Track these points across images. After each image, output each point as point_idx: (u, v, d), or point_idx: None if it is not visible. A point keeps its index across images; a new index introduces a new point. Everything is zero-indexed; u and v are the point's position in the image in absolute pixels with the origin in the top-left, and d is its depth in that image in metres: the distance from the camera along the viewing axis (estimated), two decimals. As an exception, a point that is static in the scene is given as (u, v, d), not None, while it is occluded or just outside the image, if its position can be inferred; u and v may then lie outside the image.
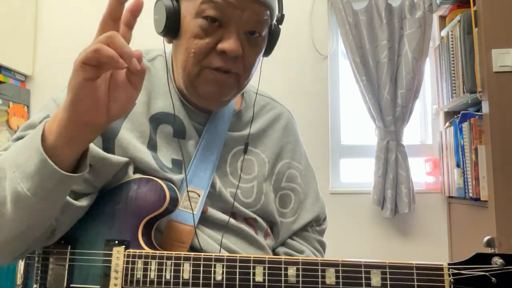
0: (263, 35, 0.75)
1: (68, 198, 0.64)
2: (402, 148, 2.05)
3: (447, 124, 2.01)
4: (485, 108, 1.59)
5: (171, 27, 0.73)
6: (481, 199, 1.63)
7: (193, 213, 0.72)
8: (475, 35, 1.66)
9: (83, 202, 0.68)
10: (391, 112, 2.06)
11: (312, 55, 2.24)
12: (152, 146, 0.74)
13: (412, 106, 2.09)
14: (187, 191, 0.73)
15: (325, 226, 0.94)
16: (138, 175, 0.70)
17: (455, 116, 1.90)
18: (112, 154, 0.70)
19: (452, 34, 1.88)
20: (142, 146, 0.73)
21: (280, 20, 0.80)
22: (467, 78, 1.71)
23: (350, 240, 2.12)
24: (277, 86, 2.23)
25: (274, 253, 0.87)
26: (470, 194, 1.70)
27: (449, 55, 1.90)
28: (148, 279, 0.64)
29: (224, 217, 0.77)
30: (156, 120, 0.76)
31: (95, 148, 0.68)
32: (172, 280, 0.63)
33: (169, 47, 0.81)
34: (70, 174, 0.57)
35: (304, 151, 0.96)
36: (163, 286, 0.63)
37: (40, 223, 0.62)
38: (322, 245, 0.92)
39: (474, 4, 1.67)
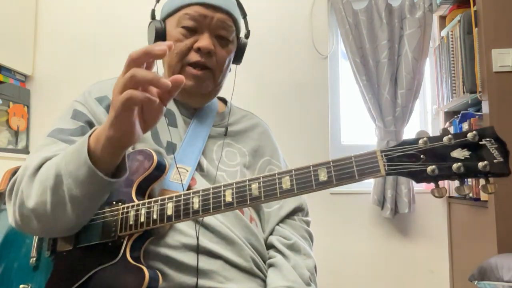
0: (230, 39, 0.95)
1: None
2: (402, 148, 2.04)
3: (447, 124, 2.01)
4: (485, 108, 1.59)
5: (159, 41, 0.90)
6: (481, 199, 1.63)
7: (182, 183, 0.84)
8: (475, 35, 1.66)
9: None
10: (391, 112, 2.06)
11: (312, 55, 2.24)
12: (154, 129, 0.90)
13: (412, 106, 2.09)
14: (177, 167, 0.86)
15: (310, 219, 1.03)
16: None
17: (455, 116, 1.90)
18: None
19: (452, 34, 1.88)
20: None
21: (247, 35, 1.02)
22: (467, 78, 1.71)
23: (350, 240, 2.12)
24: (277, 86, 2.23)
25: (267, 243, 0.93)
26: (470, 194, 1.70)
27: (449, 55, 1.90)
28: (139, 222, 0.74)
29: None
30: None
31: None
32: (158, 218, 0.73)
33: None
34: (114, 180, 0.69)
35: (283, 157, 1.08)
36: (151, 225, 0.73)
37: (91, 214, 0.76)
38: (310, 235, 0.99)
39: (474, 4, 1.68)
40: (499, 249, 1.49)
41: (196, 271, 0.78)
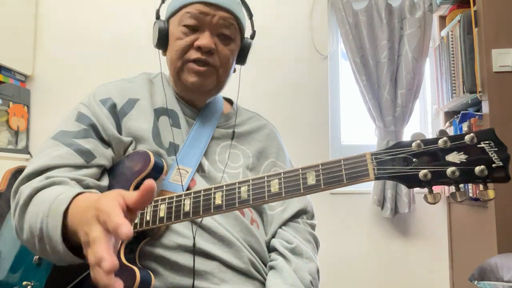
0: (233, 38, 0.93)
1: (95, 182, 0.81)
2: (402, 148, 2.04)
3: (447, 124, 2.01)
4: (485, 108, 1.59)
5: (162, 40, 0.94)
6: (481, 199, 1.62)
7: (182, 184, 0.84)
8: (475, 35, 1.66)
9: (105, 182, 0.84)
10: (391, 112, 2.06)
11: (312, 55, 2.24)
12: (155, 131, 0.90)
13: (412, 106, 2.09)
14: (178, 168, 0.86)
15: (315, 222, 1.01)
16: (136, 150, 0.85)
17: (455, 116, 1.90)
18: (119, 134, 0.87)
19: (452, 34, 1.88)
20: (146, 129, 0.89)
21: (252, 36, 1.01)
22: (467, 78, 1.71)
23: (350, 240, 2.12)
24: (277, 86, 2.23)
25: (270, 246, 0.92)
26: (470, 194, 1.70)
27: (449, 55, 1.90)
28: (133, 223, 0.73)
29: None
30: (157, 112, 0.93)
31: (113, 130, 0.86)
32: (151, 220, 0.73)
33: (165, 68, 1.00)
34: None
35: (289, 158, 1.07)
36: (144, 226, 0.74)
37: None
38: (315, 238, 0.97)
39: (474, 4, 1.67)
40: (499, 249, 1.48)
41: (193, 272, 0.78)
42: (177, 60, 0.91)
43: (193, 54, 0.89)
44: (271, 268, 0.88)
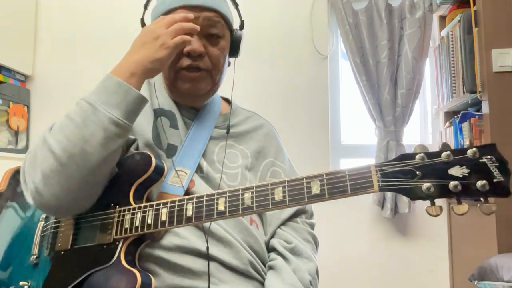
0: (221, 35, 0.91)
1: None
2: (402, 148, 2.05)
3: (447, 124, 2.01)
4: (485, 108, 1.59)
5: None
6: (481, 199, 1.62)
7: (182, 186, 0.84)
8: (475, 35, 1.66)
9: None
10: (391, 112, 2.06)
11: (312, 55, 2.24)
12: (155, 131, 0.90)
13: (412, 106, 2.09)
14: (176, 170, 0.86)
15: (314, 221, 1.01)
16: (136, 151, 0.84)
17: (455, 116, 1.90)
18: None
19: (452, 34, 1.88)
20: (147, 129, 0.89)
21: (241, 26, 0.98)
22: (467, 78, 1.71)
23: (350, 240, 2.12)
24: (277, 86, 2.23)
25: (269, 246, 0.92)
26: (470, 194, 1.70)
27: (449, 55, 1.90)
28: (134, 226, 0.75)
29: (210, 190, 0.85)
30: (156, 113, 0.93)
31: None
32: (152, 223, 0.73)
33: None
34: (144, 96, 0.76)
35: (288, 158, 1.06)
36: (145, 230, 0.74)
37: (115, 156, 0.77)
38: (314, 238, 0.97)
39: (474, 4, 1.67)
40: (499, 249, 1.48)
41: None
42: (169, 70, 0.90)
43: (185, 62, 0.87)
44: (270, 268, 0.87)
